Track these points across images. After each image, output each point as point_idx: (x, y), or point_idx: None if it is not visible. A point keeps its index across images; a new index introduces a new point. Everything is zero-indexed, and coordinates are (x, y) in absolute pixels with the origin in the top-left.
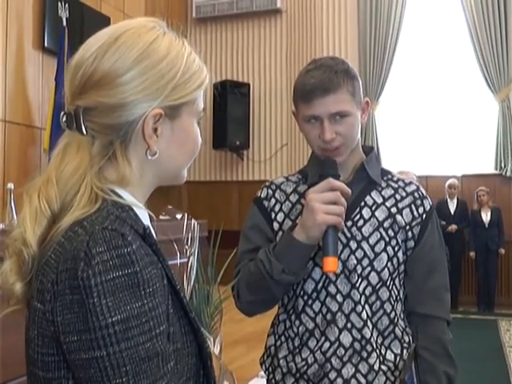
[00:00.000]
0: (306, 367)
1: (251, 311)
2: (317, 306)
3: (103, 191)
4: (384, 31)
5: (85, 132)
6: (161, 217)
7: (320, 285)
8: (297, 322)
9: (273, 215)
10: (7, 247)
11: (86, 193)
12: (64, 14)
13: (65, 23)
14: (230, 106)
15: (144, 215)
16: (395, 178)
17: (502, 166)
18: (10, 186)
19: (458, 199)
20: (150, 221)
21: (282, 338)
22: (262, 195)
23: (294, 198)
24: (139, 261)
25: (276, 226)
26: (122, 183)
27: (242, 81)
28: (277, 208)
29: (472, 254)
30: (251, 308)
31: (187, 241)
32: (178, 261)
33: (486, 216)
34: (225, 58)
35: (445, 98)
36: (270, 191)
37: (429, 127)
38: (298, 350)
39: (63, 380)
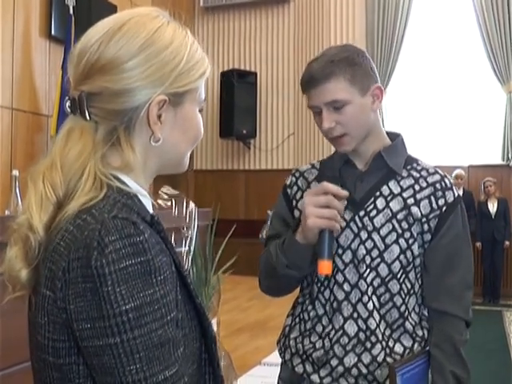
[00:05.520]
0: (312, 350)
1: (271, 294)
2: (327, 293)
3: (107, 177)
4: (392, 21)
5: (88, 117)
6: (161, 201)
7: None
8: (310, 307)
9: (294, 203)
10: (12, 234)
11: (89, 178)
12: (71, 2)
13: (71, 11)
14: (237, 94)
15: (147, 203)
16: (419, 167)
17: (510, 156)
18: (15, 172)
19: (464, 190)
20: (153, 209)
21: (297, 320)
22: (287, 182)
23: (314, 185)
24: (151, 249)
25: (297, 213)
26: (125, 169)
27: (249, 70)
28: (298, 196)
29: (478, 244)
30: (270, 292)
31: (186, 228)
32: (183, 248)
33: (492, 207)
34: (232, 46)
35: (452, 88)
36: (294, 179)
37: (436, 117)
38: (308, 333)
39: (73, 365)
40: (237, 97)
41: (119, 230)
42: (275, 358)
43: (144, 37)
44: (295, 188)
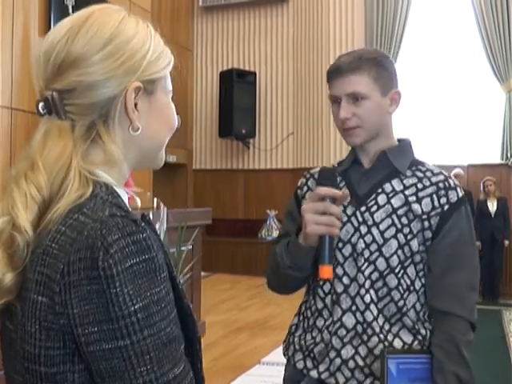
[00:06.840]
0: (313, 346)
1: (277, 291)
2: (327, 286)
3: (91, 173)
4: (391, 20)
5: (64, 117)
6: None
7: None
8: (312, 302)
9: (303, 203)
10: None
11: (75, 176)
12: (70, 1)
13: (71, 11)
14: (236, 94)
15: (126, 200)
16: (424, 169)
17: (509, 155)
18: (14, 172)
19: (463, 189)
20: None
21: (301, 317)
22: (298, 184)
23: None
24: (153, 246)
25: None
26: (109, 163)
27: (248, 69)
28: (307, 196)
29: (478, 243)
30: (276, 289)
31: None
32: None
33: (492, 206)
34: (231, 46)
35: (451, 87)
36: (304, 180)
37: (435, 116)
38: (310, 329)
39: (68, 374)
40: (236, 96)
41: (121, 228)
42: (274, 357)
43: (110, 27)
44: (305, 189)
